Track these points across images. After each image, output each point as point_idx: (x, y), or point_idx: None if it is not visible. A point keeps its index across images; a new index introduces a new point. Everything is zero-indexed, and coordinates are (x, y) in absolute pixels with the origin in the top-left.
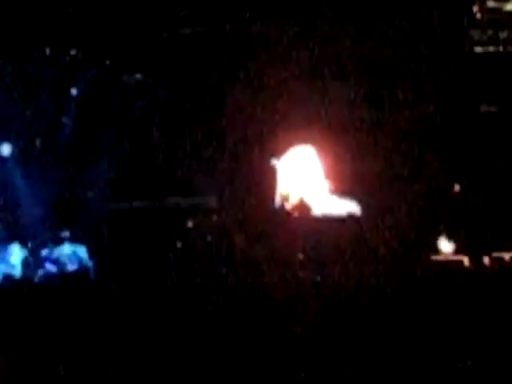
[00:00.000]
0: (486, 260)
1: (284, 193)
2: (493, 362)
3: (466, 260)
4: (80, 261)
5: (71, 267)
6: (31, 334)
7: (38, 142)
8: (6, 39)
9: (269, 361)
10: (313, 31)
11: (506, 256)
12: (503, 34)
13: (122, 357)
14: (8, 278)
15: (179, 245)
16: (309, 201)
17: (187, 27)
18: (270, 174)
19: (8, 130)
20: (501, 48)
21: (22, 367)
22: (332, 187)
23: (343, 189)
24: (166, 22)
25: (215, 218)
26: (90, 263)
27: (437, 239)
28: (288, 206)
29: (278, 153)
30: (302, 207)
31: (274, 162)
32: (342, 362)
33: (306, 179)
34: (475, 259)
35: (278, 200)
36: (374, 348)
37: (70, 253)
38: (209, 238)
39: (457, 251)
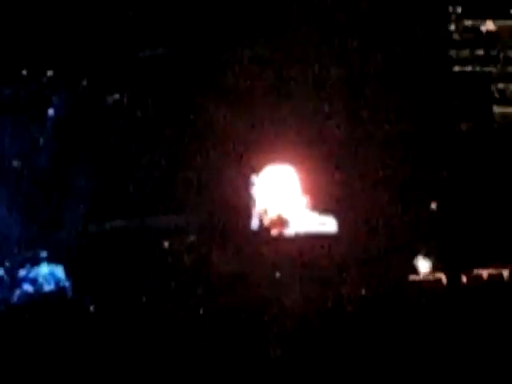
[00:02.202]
0: (464, 278)
1: (262, 209)
2: (473, 378)
3: (443, 278)
4: (57, 281)
5: (48, 287)
6: (8, 353)
7: (14, 163)
8: None
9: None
10: (291, 50)
11: (484, 273)
12: (480, 51)
13: (99, 375)
14: None
15: (156, 264)
16: (287, 217)
17: (163, 47)
18: (248, 191)
19: None
20: (477, 67)
21: None
22: (310, 204)
23: (321, 205)
24: (142, 42)
25: (192, 237)
26: (67, 283)
27: (414, 258)
28: (266, 222)
29: (256, 170)
30: (280, 223)
31: (253, 178)
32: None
33: (284, 195)
34: (453, 277)
35: (256, 217)
36: (352, 366)
37: (47, 273)
38: (185, 258)
39: (434, 269)
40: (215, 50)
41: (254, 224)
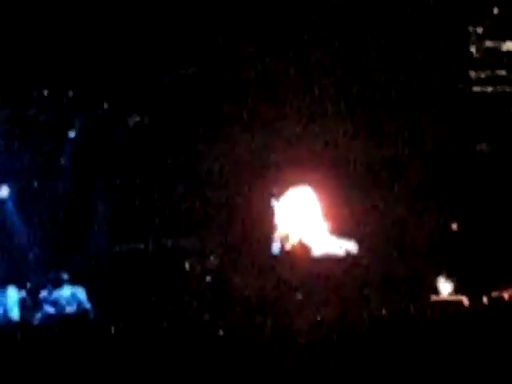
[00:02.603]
0: (485, 299)
1: (283, 233)
2: None
3: (465, 300)
4: (79, 303)
5: (70, 309)
6: (30, 376)
7: (35, 184)
8: (4, 81)
9: None
10: (311, 74)
11: (506, 295)
12: (501, 74)
13: None
14: (6, 319)
15: (177, 286)
16: (308, 241)
17: (183, 69)
18: (269, 215)
19: (5, 171)
20: (498, 88)
21: None
22: (330, 228)
23: (342, 229)
24: (163, 64)
25: (213, 259)
26: (88, 305)
27: (436, 279)
28: (287, 246)
29: (276, 194)
30: (301, 247)
31: (273, 202)
32: None
33: (304, 219)
34: (474, 299)
35: (277, 240)
36: None
37: (69, 295)
38: (207, 279)
39: (456, 291)
40: (236, 71)
41: (276, 248)
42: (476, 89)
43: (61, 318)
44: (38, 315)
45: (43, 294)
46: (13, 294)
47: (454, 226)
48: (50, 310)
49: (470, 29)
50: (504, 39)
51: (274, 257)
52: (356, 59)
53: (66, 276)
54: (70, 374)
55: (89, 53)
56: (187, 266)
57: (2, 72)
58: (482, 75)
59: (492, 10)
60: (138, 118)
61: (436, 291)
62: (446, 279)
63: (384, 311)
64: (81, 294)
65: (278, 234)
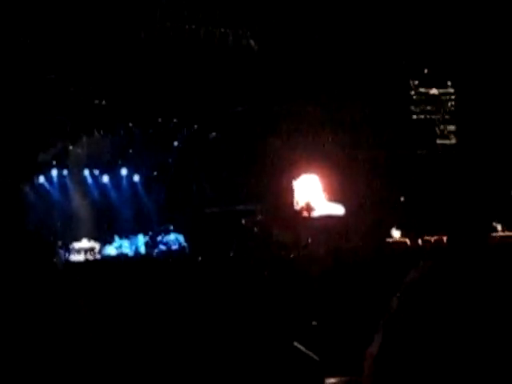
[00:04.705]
0: (420, 241)
1: (298, 200)
2: None
3: (407, 241)
4: (180, 243)
5: (174, 247)
6: (149, 290)
7: (154, 173)
8: (137, 111)
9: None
10: (323, 107)
11: (432, 239)
12: (429, 107)
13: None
14: (137, 253)
15: (237, 233)
16: (313, 205)
17: (240, 106)
18: (291, 190)
19: (137, 166)
20: (427, 116)
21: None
22: (327, 198)
23: (334, 199)
24: (230, 103)
25: (259, 217)
26: (185, 244)
27: (390, 229)
28: (300, 207)
29: (295, 178)
30: (309, 209)
31: (293, 183)
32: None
33: (311, 193)
34: (413, 240)
35: (296, 204)
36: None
37: (174, 238)
38: (255, 230)
39: (402, 236)
40: (275, 106)
41: (296, 209)
42: (414, 117)
43: (169, 252)
44: (156, 251)
45: (159, 237)
46: (141, 238)
47: (402, 198)
48: (162, 247)
49: (410, 81)
50: (431, 87)
51: (295, 215)
52: (343, 107)
53: (172, 227)
54: (173, 288)
55: (185, 96)
56: (243, 221)
57: (139, 104)
58: (418, 109)
59: (423, 70)
60: (214, 134)
61: (390, 235)
62: (396, 229)
63: (358, 247)
64: (181, 238)
65: (296, 201)
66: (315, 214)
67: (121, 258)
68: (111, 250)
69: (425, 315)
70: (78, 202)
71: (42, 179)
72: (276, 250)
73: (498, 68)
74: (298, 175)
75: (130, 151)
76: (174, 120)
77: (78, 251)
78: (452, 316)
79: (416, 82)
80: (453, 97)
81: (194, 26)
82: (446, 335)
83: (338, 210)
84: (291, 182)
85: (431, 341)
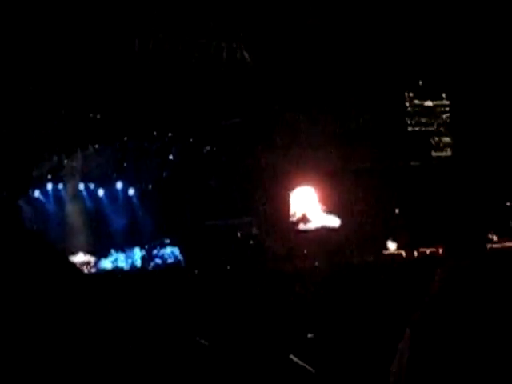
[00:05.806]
0: (416, 253)
1: (294, 211)
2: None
3: (403, 253)
4: (176, 257)
5: (170, 260)
6: (147, 301)
7: (149, 186)
8: (132, 124)
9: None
10: (313, 121)
11: (427, 250)
12: (424, 119)
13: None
14: (133, 267)
15: (232, 245)
16: (309, 216)
17: (236, 117)
18: (287, 203)
19: (132, 180)
20: (422, 128)
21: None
22: (323, 209)
23: (329, 210)
24: (223, 114)
25: (254, 229)
26: (181, 258)
27: (386, 241)
28: (296, 219)
29: (291, 189)
30: (305, 219)
31: (289, 194)
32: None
33: (307, 204)
34: (409, 252)
35: (292, 216)
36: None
37: (170, 252)
38: (251, 242)
39: (398, 248)
40: (270, 119)
41: (292, 220)
42: (409, 129)
43: (165, 266)
44: (152, 264)
45: (154, 251)
46: (137, 252)
47: (397, 210)
48: (158, 261)
49: (405, 93)
50: (426, 99)
51: (290, 228)
52: (338, 119)
53: (168, 241)
54: (169, 302)
55: (181, 112)
56: (238, 234)
57: (135, 119)
58: (413, 121)
59: (418, 82)
60: (209, 148)
61: (386, 248)
62: (392, 241)
63: (354, 259)
64: (177, 251)
65: (292, 213)
66: (311, 225)
67: (116, 272)
68: (107, 264)
69: (453, 329)
70: (73, 215)
71: (37, 193)
72: (271, 262)
73: (493, 80)
74: (294, 187)
75: (125, 165)
76: (169, 134)
77: None
78: (480, 327)
79: (411, 94)
80: (447, 109)
81: (188, 40)
82: (476, 349)
83: (334, 221)
84: (287, 194)
85: (459, 351)
